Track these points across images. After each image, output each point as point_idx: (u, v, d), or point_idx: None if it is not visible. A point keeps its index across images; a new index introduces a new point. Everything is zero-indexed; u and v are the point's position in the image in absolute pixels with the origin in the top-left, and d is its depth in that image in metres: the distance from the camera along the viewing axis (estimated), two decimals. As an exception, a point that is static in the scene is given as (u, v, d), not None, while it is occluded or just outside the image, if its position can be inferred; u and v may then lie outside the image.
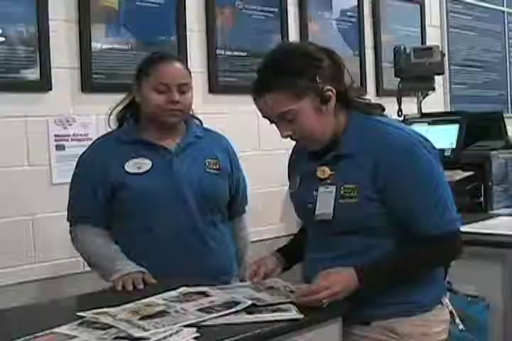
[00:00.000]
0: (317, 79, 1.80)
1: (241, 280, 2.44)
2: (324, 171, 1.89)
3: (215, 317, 1.62)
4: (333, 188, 1.86)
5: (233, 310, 1.66)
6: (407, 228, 1.85)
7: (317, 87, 1.80)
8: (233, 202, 2.47)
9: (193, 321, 1.58)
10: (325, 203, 1.86)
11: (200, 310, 1.67)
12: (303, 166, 1.99)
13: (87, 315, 1.66)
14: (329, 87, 1.82)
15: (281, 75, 1.80)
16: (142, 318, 1.61)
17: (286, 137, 1.89)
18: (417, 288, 1.89)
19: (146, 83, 2.29)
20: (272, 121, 1.88)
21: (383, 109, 1.98)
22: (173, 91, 2.26)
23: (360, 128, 1.88)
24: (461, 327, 2.02)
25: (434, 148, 1.90)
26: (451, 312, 1.99)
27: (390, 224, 1.85)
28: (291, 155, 2.10)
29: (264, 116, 1.87)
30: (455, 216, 1.86)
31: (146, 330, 1.52)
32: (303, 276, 2.01)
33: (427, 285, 1.91)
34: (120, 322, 1.59)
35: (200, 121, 2.51)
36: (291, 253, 2.07)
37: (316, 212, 1.88)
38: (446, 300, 1.98)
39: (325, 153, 1.91)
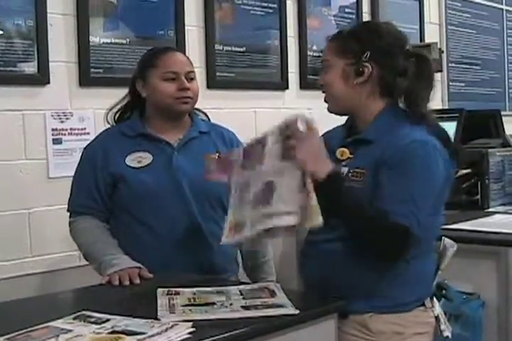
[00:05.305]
0: (367, 53, 1.89)
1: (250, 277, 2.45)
2: (344, 153, 1.93)
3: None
4: (345, 170, 1.89)
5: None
6: None
7: (359, 58, 1.89)
8: None
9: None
10: None
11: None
12: (328, 146, 1.99)
13: None
14: (369, 66, 1.89)
15: (349, 34, 1.96)
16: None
17: (320, 86, 1.98)
18: (397, 285, 1.85)
19: (154, 74, 2.30)
20: None
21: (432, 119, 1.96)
22: (182, 79, 2.29)
23: (387, 120, 1.91)
24: (446, 334, 1.93)
25: (447, 159, 1.86)
26: (436, 317, 1.93)
27: None
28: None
29: None
30: (418, 217, 1.75)
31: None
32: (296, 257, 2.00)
33: (410, 284, 1.87)
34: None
35: (207, 116, 2.51)
36: None
37: None
38: (432, 304, 1.93)
39: (351, 136, 1.96)
